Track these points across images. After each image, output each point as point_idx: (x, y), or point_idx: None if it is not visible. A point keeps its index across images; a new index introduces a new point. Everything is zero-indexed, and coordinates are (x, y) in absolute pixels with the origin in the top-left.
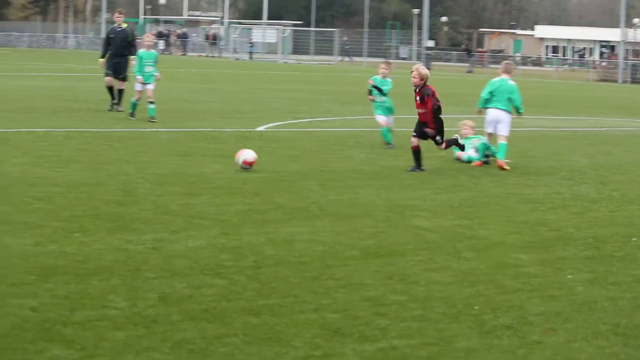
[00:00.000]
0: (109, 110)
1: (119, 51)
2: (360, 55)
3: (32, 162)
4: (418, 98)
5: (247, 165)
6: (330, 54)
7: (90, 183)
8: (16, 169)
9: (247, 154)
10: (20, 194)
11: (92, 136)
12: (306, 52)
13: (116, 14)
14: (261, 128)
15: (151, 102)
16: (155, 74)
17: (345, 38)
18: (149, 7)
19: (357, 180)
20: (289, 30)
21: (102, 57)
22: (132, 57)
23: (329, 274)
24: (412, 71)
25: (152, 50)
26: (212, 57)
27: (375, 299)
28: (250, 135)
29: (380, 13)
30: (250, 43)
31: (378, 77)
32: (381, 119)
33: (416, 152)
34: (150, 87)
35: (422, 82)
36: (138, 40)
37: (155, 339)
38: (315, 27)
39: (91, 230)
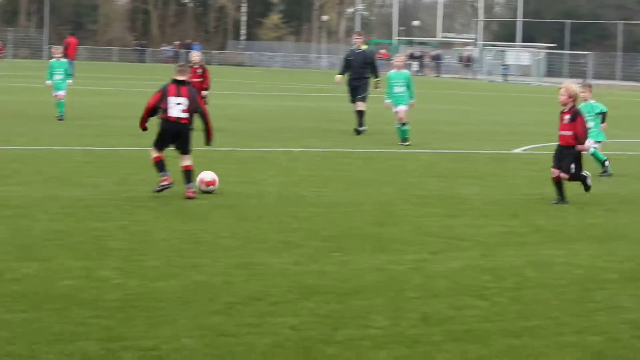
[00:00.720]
0: (355, 134)
1: (358, 73)
2: (613, 79)
3: (291, 182)
4: (567, 117)
5: (210, 186)
6: (583, 77)
7: (349, 203)
8: (275, 188)
9: (204, 175)
10: (280, 213)
11: (348, 156)
12: (559, 75)
13: (355, 35)
14: (518, 150)
15: (403, 124)
16: (410, 101)
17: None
18: (402, 28)
19: (613, 204)
20: (542, 53)
21: (340, 74)
22: (375, 80)
23: (589, 297)
24: (560, 88)
25: (403, 71)
26: (466, 79)
27: (635, 322)
28: (506, 158)
29: (633, 37)
30: (504, 65)
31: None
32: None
33: (558, 182)
34: (401, 108)
35: (571, 99)
36: (387, 61)
37: None
38: (569, 50)
39: (351, 250)
